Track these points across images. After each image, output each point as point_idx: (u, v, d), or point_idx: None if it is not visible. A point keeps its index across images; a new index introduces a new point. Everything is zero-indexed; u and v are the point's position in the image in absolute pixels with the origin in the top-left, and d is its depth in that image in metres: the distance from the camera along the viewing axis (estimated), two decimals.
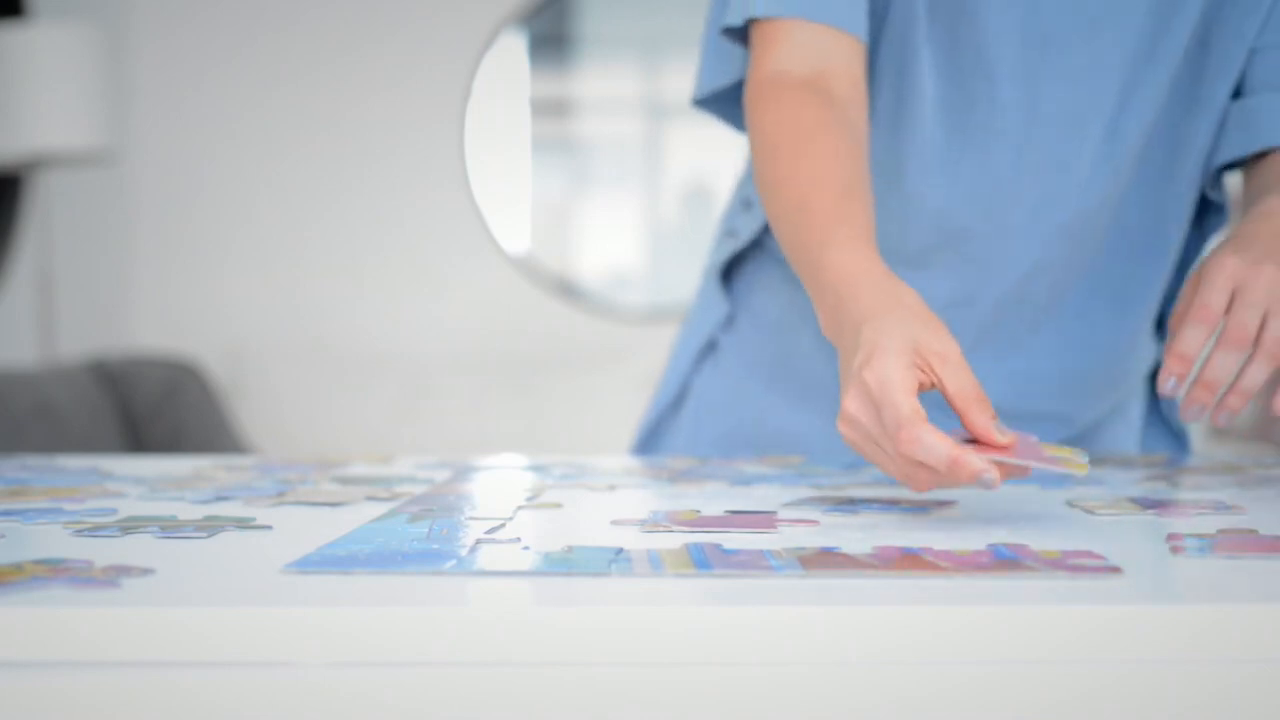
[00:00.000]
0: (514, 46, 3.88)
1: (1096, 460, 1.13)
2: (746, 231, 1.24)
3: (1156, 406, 1.30)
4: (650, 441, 1.31)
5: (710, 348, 1.27)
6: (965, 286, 1.14)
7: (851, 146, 0.97)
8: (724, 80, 1.11)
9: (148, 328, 3.78)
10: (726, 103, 1.14)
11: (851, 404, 0.79)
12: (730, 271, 1.28)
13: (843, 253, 0.87)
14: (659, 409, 1.30)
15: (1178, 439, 1.29)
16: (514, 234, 3.88)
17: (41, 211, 3.24)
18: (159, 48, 3.80)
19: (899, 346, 0.78)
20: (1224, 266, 0.89)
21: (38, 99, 2.86)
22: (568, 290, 3.87)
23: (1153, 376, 1.29)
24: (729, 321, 1.26)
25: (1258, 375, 0.88)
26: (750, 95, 1.03)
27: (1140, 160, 1.13)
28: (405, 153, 3.83)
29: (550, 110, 4.01)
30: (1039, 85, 1.08)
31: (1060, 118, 1.09)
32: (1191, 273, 0.93)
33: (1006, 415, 1.18)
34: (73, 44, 2.88)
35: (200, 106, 3.81)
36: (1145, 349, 1.24)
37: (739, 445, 1.25)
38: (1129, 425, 1.27)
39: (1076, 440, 1.23)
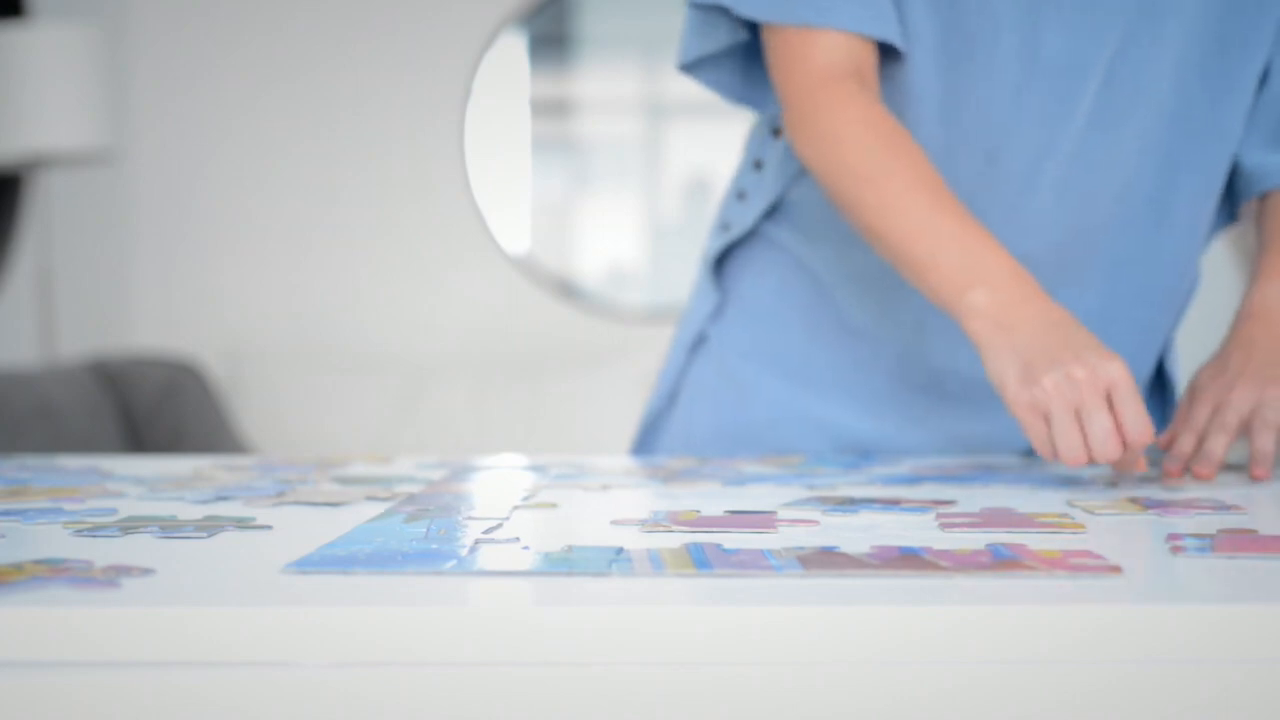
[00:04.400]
0: (514, 46, 3.88)
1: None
2: (741, 222, 1.24)
3: (1157, 407, 1.29)
4: (647, 438, 1.32)
5: (701, 340, 1.28)
6: None
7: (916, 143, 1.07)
8: (713, 46, 1.15)
9: (148, 328, 3.78)
10: (711, 68, 1.18)
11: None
12: (722, 263, 1.28)
13: (973, 256, 1.01)
14: (655, 406, 1.31)
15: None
16: (514, 234, 3.88)
17: (41, 211, 3.24)
18: (159, 48, 3.80)
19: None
20: (1206, 392, 1.05)
21: (38, 99, 2.86)
22: (568, 290, 3.87)
23: (1154, 380, 1.28)
24: (718, 312, 1.27)
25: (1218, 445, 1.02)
26: (805, 92, 1.08)
27: (1148, 126, 1.13)
28: (405, 153, 3.83)
29: (550, 110, 4.01)
30: (1039, 31, 1.08)
31: (1058, 64, 1.09)
32: (1184, 393, 1.08)
33: None
34: (73, 44, 2.88)
35: (200, 106, 3.81)
36: (1154, 334, 1.21)
37: (731, 433, 1.25)
38: None
39: None
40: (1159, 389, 1.29)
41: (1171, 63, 1.11)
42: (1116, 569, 0.63)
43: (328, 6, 3.80)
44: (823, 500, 0.86)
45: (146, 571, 0.64)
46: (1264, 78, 1.16)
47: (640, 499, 0.90)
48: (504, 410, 3.62)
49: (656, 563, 0.65)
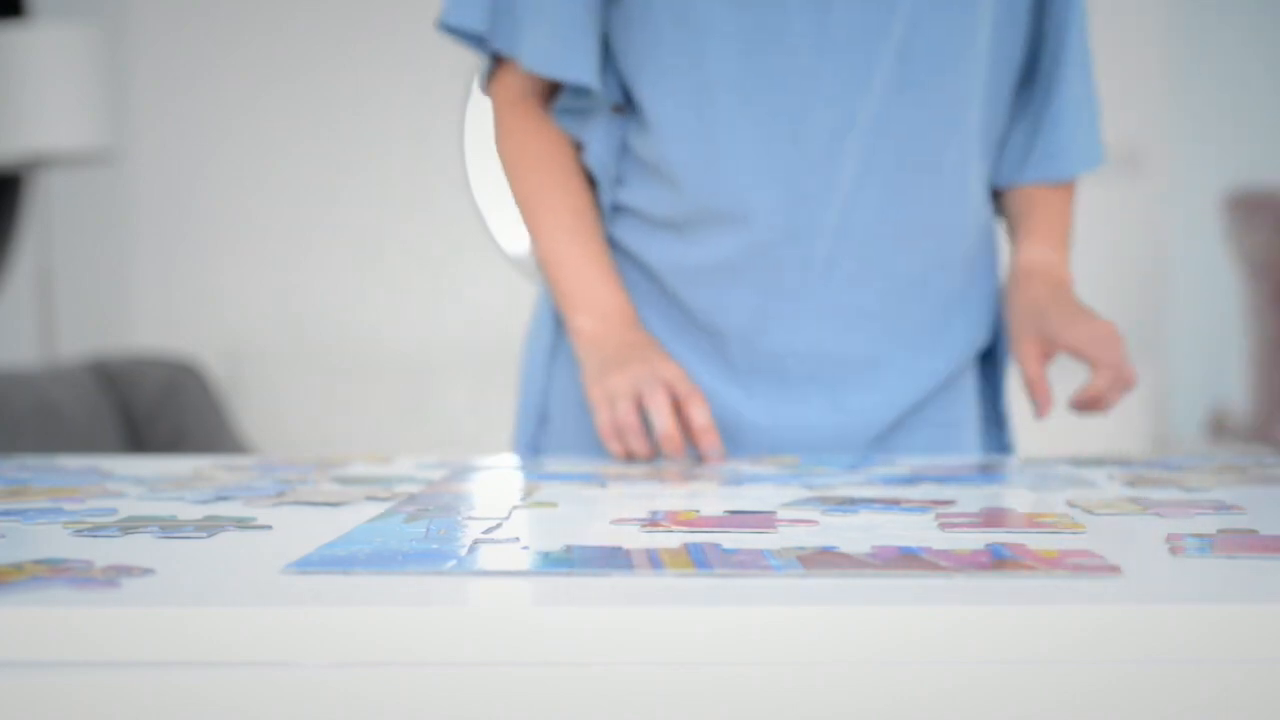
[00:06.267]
0: None
1: (1096, 460, 1.13)
2: None
3: (984, 392, 1.34)
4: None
5: (556, 350, 1.29)
6: (793, 222, 1.19)
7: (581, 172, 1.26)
8: (474, 26, 1.23)
9: (148, 328, 3.78)
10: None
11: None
12: None
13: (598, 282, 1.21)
14: (526, 429, 1.30)
15: (1000, 425, 1.34)
16: (514, 234, 3.88)
17: (41, 211, 3.24)
18: (159, 48, 3.80)
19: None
20: (1030, 355, 1.19)
21: (38, 99, 2.86)
22: None
23: (984, 358, 1.34)
24: (559, 319, 1.29)
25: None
26: (499, 108, 1.27)
27: (956, 102, 1.19)
28: (405, 153, 3.83)
29: None
30: (828, 7, 1.15)
31: (849, 39, 1.15)
32: (1013, 356, 1.22)
33: (835, 359, 1.22)
34: (73, 44, 2.88)
35: (200, 106, 3.81)
36: (965, 303, 1.27)
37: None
38: (966, 405, 1.30)
39: (922, 404, 1.26)
40: (990, 365, 1.35)
41: (985, 41, 1.19)
42: (1116, 569, 0.63)
43: (328, 6, 3.80)
44: (822, 500, 0.86)
45: (146, 571, 0.64)
46: (1033, 68, 1.27)
47: (640, 499, 0.90)
48: (504, 410, 3.61)
49: (656, 563, 0.65)
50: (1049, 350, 1.18)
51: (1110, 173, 3.70)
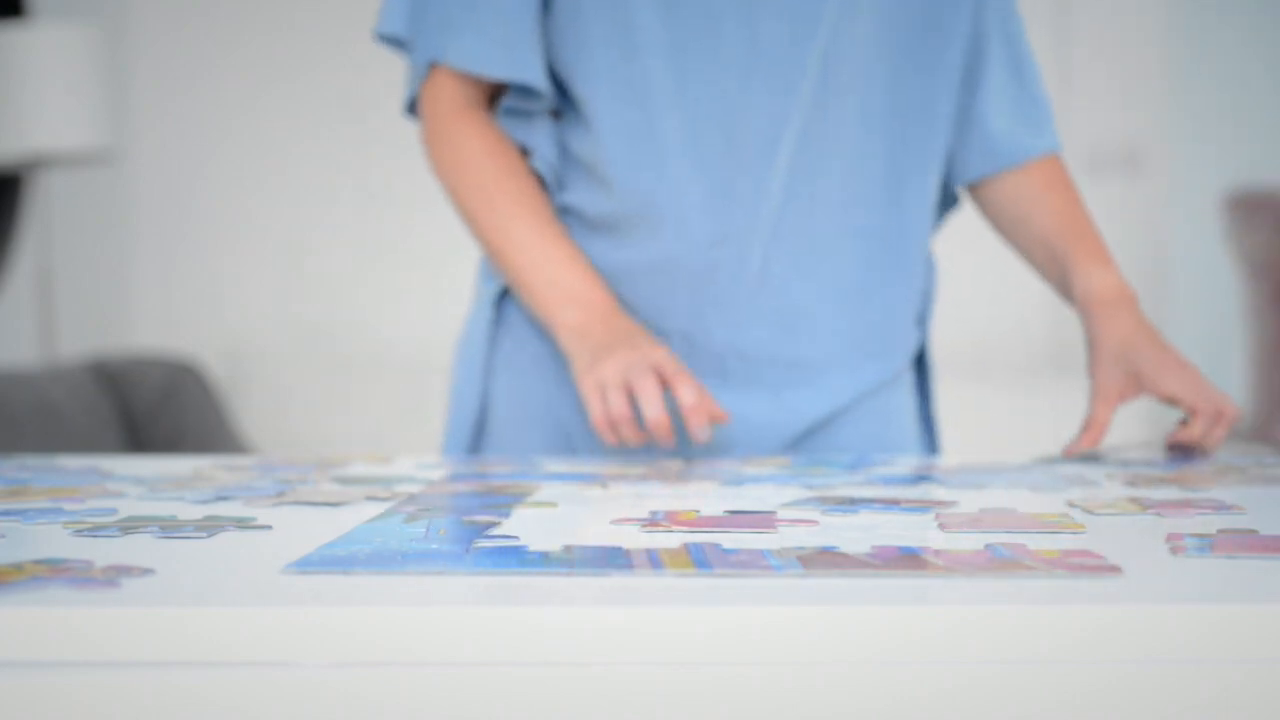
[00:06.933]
0: None
1: (1097, 460, 1.13)
2: None
3: (921, 392, 1.35)
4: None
5: (493, 354, 1.28)
6: (725, 225, 1.20)
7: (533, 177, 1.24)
8: (397, 32, 1.23)
9: (148, 328, 3.78)
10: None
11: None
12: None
13: (571, 277, 1.19)
14: (461, 432, 1.28)
15: (929, 426, 1.35)
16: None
17: (41, 211, 3.24)
18: (159, 48, 3.80)
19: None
20: (1109, 393, 1.16)
21: (38, 99, 2.86)
22: None
23: (918, 363, 1.35)
24: (502, 318, 1.28)
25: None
26: (441, 116, 1.23)
27: (870, 105, 1.20)
28: (406, 153, 3.82)
29: None
30: (756, 15, 1.17)
31: (778, 47, 1.17)
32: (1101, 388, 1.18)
33: (776, 361, 1.23)
34: (73, 44, 2.87)
35: (200, 106, 3.81)
36: (905, 312, 1.27)
37: (558, 433, 1.25)
38: (905, 397, 1.30)
39: (858, 402, 1.26)
40: (920, 374, 1.35)
41: (879, 43, 1.19)
42: (1116, 569, 0.63)
43: (328, 6, 3.80)
44: (822, 500, 0.87)
45: (146, 571, 0.64)
46: (982, 62, 1.26)
47: (640, 499, 0.90)
48: None
49: (656, 563, 0.65)
50: (1134, 392, 1.16)
51: (1110, 173, 3.70)
